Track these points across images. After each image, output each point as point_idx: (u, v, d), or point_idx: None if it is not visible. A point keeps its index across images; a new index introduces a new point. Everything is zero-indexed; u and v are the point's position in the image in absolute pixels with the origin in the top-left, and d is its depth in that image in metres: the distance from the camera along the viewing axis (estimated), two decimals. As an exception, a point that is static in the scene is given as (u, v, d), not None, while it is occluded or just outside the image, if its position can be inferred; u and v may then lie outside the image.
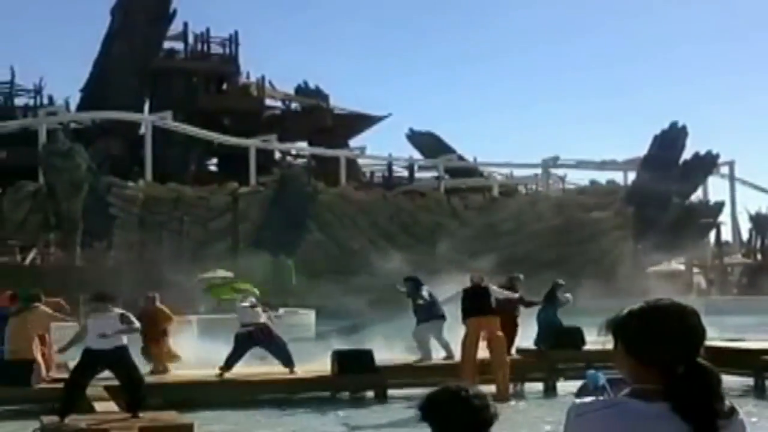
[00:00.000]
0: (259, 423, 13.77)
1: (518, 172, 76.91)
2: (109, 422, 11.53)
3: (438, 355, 17.06)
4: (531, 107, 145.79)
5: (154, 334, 16.70)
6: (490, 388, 13.62)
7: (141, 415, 11.83)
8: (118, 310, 12.22)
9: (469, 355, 15.62)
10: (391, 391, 15.94)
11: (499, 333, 15.75)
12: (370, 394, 16.14)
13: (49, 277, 35.87)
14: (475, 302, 15.64)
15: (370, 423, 13.89)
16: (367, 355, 16.24)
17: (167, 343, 17.38)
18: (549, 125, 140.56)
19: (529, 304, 17.85)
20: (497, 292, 16.29)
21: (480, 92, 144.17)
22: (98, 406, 13.27)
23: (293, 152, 74.95)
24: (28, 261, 46.71)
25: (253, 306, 16.97)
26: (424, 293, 16.89)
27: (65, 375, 15.86)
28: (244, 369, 16.53)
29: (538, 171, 75.58)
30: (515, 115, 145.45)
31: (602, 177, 73.09)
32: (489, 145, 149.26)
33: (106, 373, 12.39)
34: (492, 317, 15.74)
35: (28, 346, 15.27)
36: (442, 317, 16.88)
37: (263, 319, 16.64)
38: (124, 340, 12.08)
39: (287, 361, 16.38)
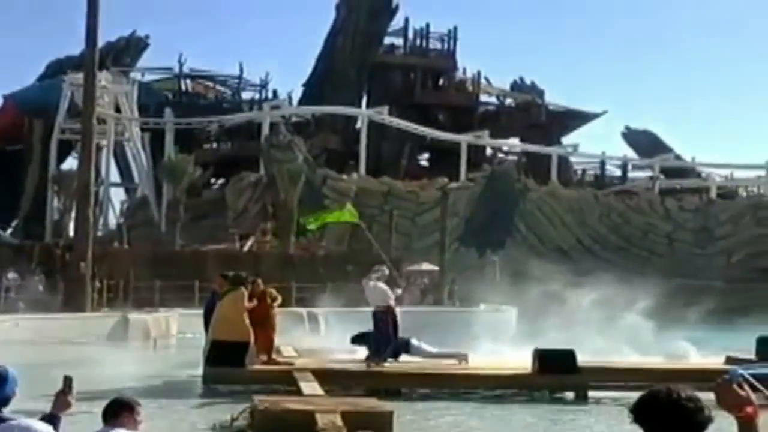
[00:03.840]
0: (454, 416, 13.80)
1: (739, 174, 73.57)
2: (314, 404, 11.92)
3: None
4: (755, 102, 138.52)
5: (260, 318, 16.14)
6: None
7: (343, 400, 12.23)
8: None
9: None
10: (591, 393, 15.76)
11: None
12: (569, 394, 16.00)
13: (265, 264, 37.33)
14: None
15: (570, 423, 13.74)
16: (570, 354, 16.09)
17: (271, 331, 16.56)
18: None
19: None
20: None
21: (702, 87, 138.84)
22: (305, 388, 13.81)
23: (505, 148, 74.77)
24: (246, 248, 48.43)
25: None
26: None
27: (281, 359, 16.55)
28: (442, 362, 16.71)
29: (762, 173, 72.12)
30: (739, 112, 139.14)
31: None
32: (709, 144, 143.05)
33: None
34: None
35: (235, 327, 15.48)
36: None
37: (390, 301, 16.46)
38: None
39: (375, 353, 16.25)
